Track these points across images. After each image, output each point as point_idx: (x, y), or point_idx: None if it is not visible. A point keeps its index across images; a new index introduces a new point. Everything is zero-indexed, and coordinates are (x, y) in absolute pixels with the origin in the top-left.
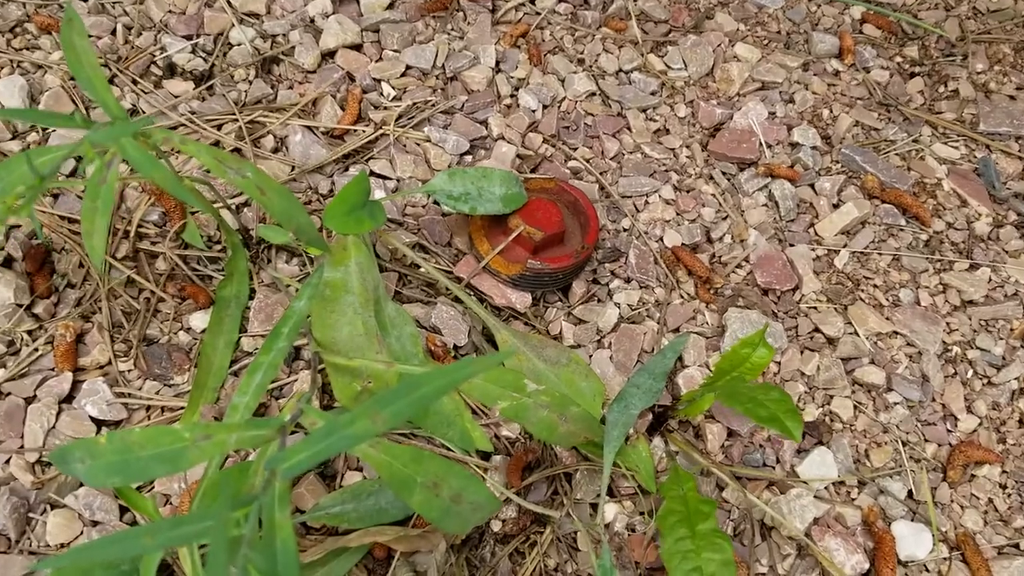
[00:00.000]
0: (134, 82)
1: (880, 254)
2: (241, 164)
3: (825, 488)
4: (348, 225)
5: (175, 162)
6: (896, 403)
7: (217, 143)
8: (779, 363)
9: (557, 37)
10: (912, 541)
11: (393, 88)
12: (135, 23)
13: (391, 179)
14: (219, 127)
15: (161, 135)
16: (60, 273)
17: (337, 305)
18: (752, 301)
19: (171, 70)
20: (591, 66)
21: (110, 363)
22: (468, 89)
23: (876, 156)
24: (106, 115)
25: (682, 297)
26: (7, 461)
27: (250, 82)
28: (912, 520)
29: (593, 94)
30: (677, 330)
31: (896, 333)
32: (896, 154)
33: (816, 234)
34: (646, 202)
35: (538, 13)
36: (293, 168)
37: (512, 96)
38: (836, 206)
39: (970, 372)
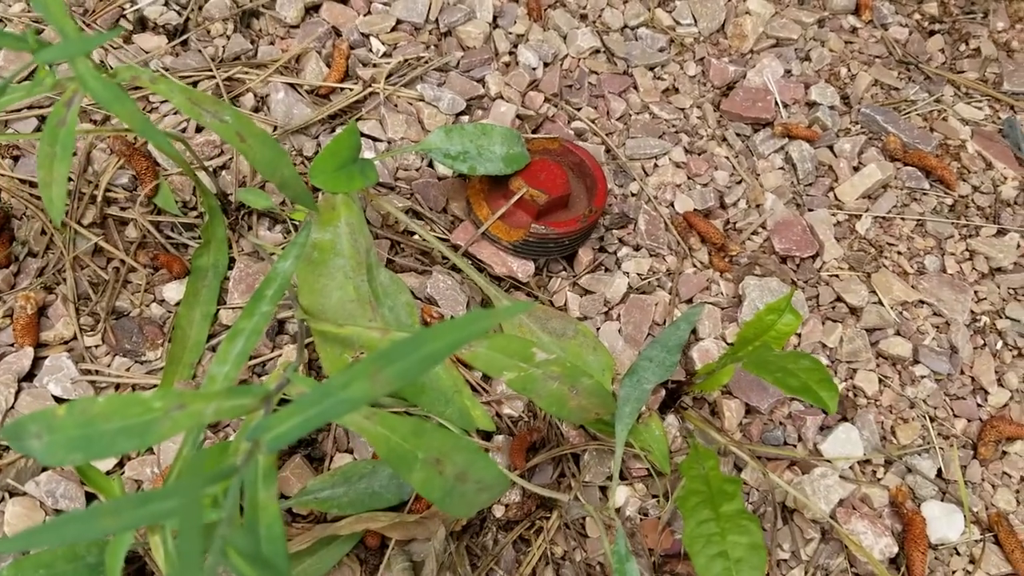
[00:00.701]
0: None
1: (903, 219)
2: (219, 107)
3: (850, 467)
4: (337, 182)
5: None
6: (923, 376)
7: None
8: (800, 334)
9: None
10: (943, 523)
11: (383, 44)
12: None
13: (381, 141)
14: (195, 84)
15: (128, 72)
16: (20, 241)
17: (326, 269)
18: (770, 269)
19: (142, 24)
20: (595, 21)
21: (75, 338)
22: (464, 45)
23: (897, 116)
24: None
25: (695, 266)
26: None
27: (228, 37)
28: (942, 500)
29: (597, 51)
30: (690, 301)
31: (922, 302)
32: (918, 114)
33: (836, 198)
34: (655, 165)
35: None
36: (275, 128)
37: (511, 53)
38: (856, 169)
39: (1000, 343)
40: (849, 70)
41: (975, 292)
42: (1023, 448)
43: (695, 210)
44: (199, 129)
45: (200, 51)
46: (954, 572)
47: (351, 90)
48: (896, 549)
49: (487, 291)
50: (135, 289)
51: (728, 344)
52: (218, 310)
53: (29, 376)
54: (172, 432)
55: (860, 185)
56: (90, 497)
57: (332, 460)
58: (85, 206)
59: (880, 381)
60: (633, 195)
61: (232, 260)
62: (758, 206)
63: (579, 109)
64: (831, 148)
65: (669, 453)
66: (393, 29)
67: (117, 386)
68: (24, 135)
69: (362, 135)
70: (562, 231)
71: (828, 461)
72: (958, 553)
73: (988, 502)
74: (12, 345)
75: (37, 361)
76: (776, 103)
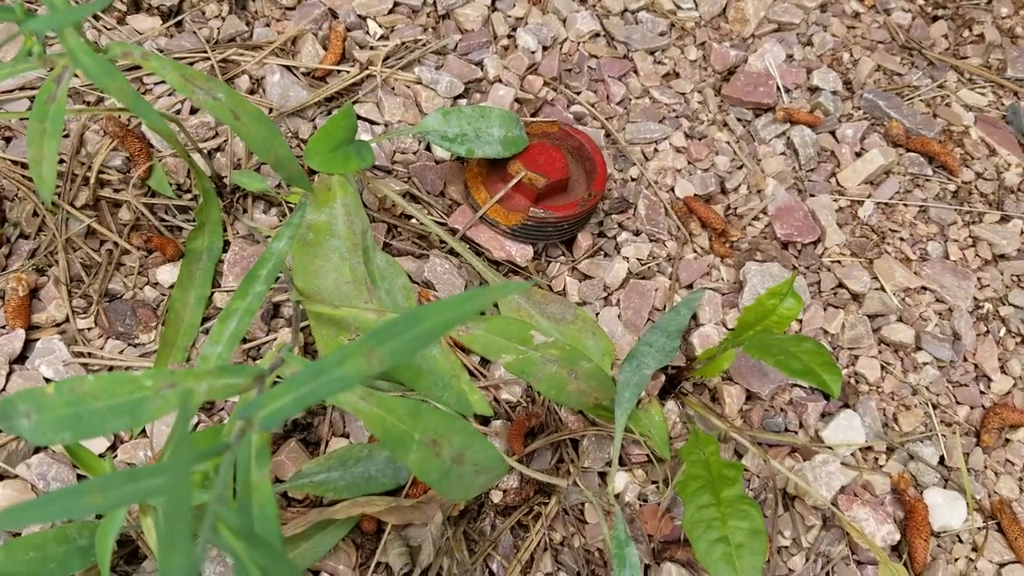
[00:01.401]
0: (95, 18)
1: (906, 205)
2: (212, 84)
3: (851, 454)
4: (333, 163)
5: None
6: (926, 363)
7: None
8: (801, 320)
9: None
10: (946, 510)
11: (380, 26)
12: None
13: (378, 124)
14: (189, 66)
15: (119, 48)
16: (12, 222)
17: (321, 250)
18: (771, 255)
19: (136, 5)
20: (594, 5)
21: (67, 320)
22: (462, 28)
23: (900, 102)
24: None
25: (695, 251)
26: None
27: (223, 18)
28: (945, 487)
29: (597, 35)
30: (691, 286)
31: (925, 288)
32: (921, 100)
33: (838, 184)
34: (655, 150)
35: None
36: (271, 111)
37: (509, 36)
38: (859, 154)
39: (1003, 330)
40: (851, 55)
41: (978, 279)
42: None
43: (696, 195)
44: (194, 111)
45: (195, 32)
46: (956, 560)
47: (348, 73)
48: (898, 536)
49: (485, 275)
50: (128, 272)
51: (729, 330)
52: (212, 293)
53: (21, 358)
54: (163, 411)
55: (862, 171)
56: (82, 480)
57: (328, 444)
58: (78, 188)
59: (882, 368)
60: (633, 180)
61: (227, 243)
62: (759, 191)
63: (578, 93)
64: (833, 133)
65: (669, 439)
66: (390, 11)
67: (110, 369)
68: (15, 114)
69: (359, 118)
70: (561, 215)
71: (829, 448)
72: (960, 540)
73: (991, 489)
74: (3, 327)
75: (29, 343)
76: (778, 88)
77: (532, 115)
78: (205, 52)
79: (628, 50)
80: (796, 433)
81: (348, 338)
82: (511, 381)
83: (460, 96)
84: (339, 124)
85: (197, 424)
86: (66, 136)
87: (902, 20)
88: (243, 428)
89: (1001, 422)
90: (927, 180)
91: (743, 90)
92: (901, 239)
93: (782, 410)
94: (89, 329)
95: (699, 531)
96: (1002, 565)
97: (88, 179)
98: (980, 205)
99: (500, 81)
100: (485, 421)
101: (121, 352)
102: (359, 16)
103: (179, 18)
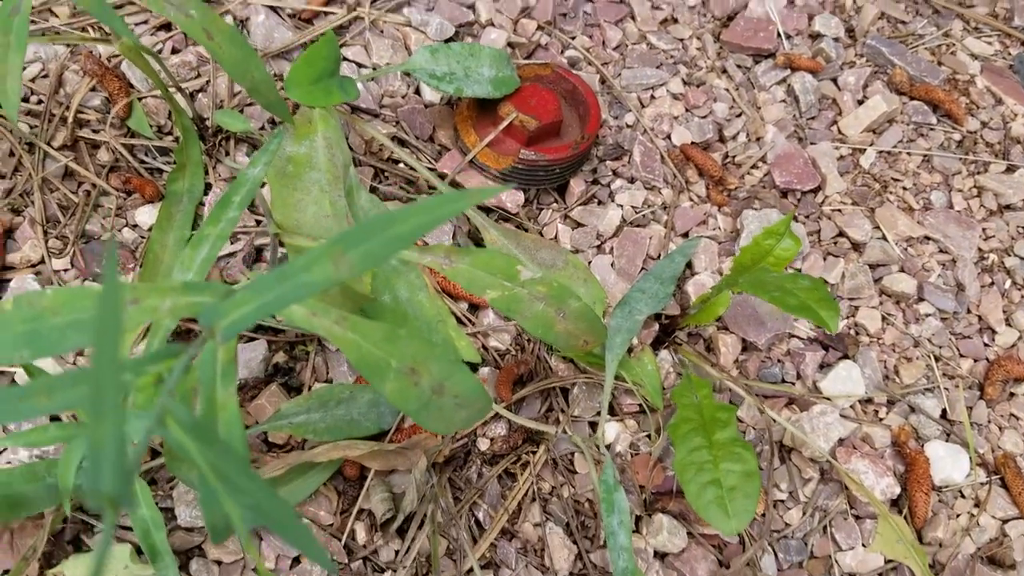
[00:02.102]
0: None
1: (910, 154)
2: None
3: (851, 406)
4: (315, 96)
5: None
6: (928, 314)
7: (169, 26)
8: (799, 269)
9: None
10: (948, 463)
11: None
12: None
13: (366, 67)
14: None
15: None
16: None
17: (300, 182)
18: (769, 203)
19: None
20: None
21: (43, 261)
22: None
23: (904, 49)
24: None
25: (692, 199)
26: None
27: None
28: (947, 441)
29: None
30: (686, 235)
31: (928, 238)
32: (925, 48)
33: (840, 132)
34: (652, 96)
35: None
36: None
37: None
38: (861, 102)
39: (1008, 282)
40: (855, 2)
41: (983, 229)
42: None
43: (693, 142)
44: (175, 51)
45: None
46: (958, 515)
47: (335, 14)
48: (898, 490)
49: (474, 220)
50: (106, 213)
51: (727, 273)
52: (192, 235)
53: None
54: (126, 328)
55: (865, 118)
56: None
57: (310, 390)
58: (55, 127)
59: (883, 319)
60: (628, 126)
61: (208, 185)
62: (758, 139)
63: (573, 38)
64: (835, 80)
65: (662, 388)
66: None
67: None
68: None
69: (346, 60)
70: (553, 158)
71: (828, 399)
72: (963, 495)
73: (995, 444)
74: None
75: (2, 284)
76: (778, 33)
77: (525, 59)
78: None
79: None
80: (794, 384)
81: None
82: (500, 328)
83: (451, 39)
84: (320, 54)
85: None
86: (44, 76)
87: None
88: (203, 336)
89: (1006, 375)
90: (931, 129)
91: (743, 36)
92: (904, 188)
93: (779, 360)
94: (65, 270)
95: (690, 474)
96: (1005, 521)
97: (66, 119)
98: (985, 155)
99: (492, 24)
100: (473, 368)
101: None
102: None
103: None
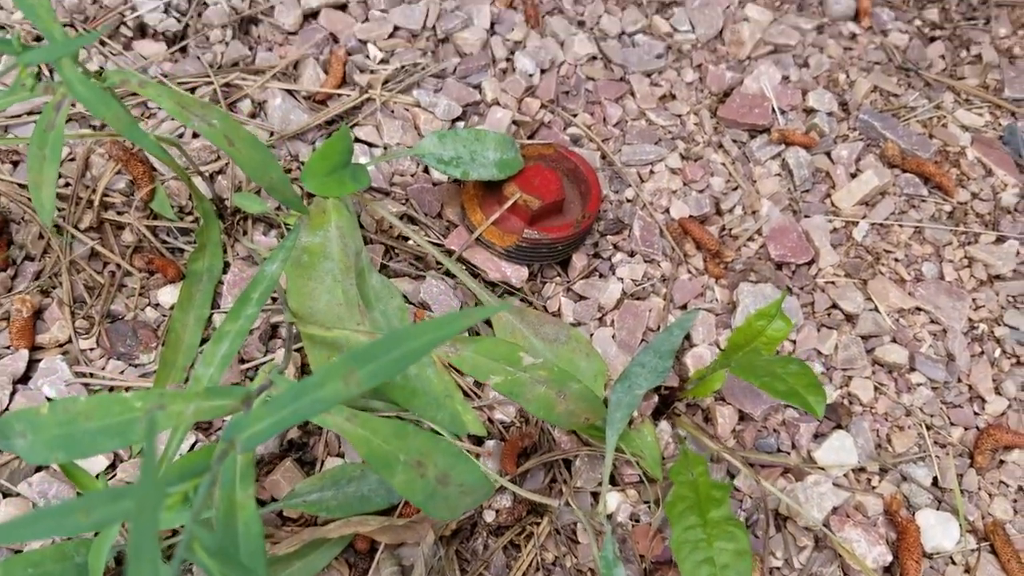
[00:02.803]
0: (102, 43)
1: (901, 226)
2: (207, 110)
3: (844, 475)
4: (328, 187)
5: (143, 128)
6: (919, 384)
7: None
8: (794, 341)
9: None
10: (938, 531)
11: (380, 50)
12: None
13: (377, 146)
14: (192, 90)
15: (117, 76)
16: (18, 245)
17: (315, 272)
18: (765, 275)
19: (142, 31)
20: (592, 28)
21: (70, 340)
22: (460, 52)
23: (896, 123)
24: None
25: (690, 272)
26: None
27: (226, 43)
28: (938, 509)
29: (594, 57)
30: (685, 307)
31: (919, 309)
32: (917, 121)
33: (833, 205)
34: (651, 171)
35: None
36: (272, 134)
37: (508, 59)
38: (854, 175)
39: (998, 351)
40: (848, 76)
41: (973, 299)
42: (1021, 457)
43: (690, 216)
44: (196, 135)
45: (199, 57)
46: None
47: (348, 96)
48: (890, 558)
49: (480, 296)
50: (130, 293)
51: (722, 350)
52: (212, 314)
53: (24, 378)
54: (152, 432)
55: (857, 191)
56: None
57: (323, 464)
58: (82, 210)
59: (876, 388)
60: (628, 201)
61: (227, 264)
62: (754, 212)
63: (575, 115)
64: (828, 154)
65: (662, 459)
66: (391, 35)
67: (111, 389)
68: (22, 139)
69: (358, 140)
70: (555, 236)
71: (822, 468)
72: (953, 562)
73: (984, 511)
74: (8, 347)
75: (32, 364)
76: (773, 109)
77: (529, 137)
78: (208, 76)
79: (625, 72)
80: (789, 454)
81: None
82: (505, 401)
83: (458, 119)
84: (335, 147)
85: (194, 444)
86: (72, 160)
87: (899, 41)
88: (225, 449)
89: (995, 443)
90: (922, 201)
91: (739, 112)
92: (896, 260)
93: (775, 431)
94: (91, 349)
95: (685, 552)
96: None
97: (92, 202)
98: (976, 225)
99: (498, 104)
100: (479, 441)
101: (122, 372)
102: (360, 40)
103: (183, 43)
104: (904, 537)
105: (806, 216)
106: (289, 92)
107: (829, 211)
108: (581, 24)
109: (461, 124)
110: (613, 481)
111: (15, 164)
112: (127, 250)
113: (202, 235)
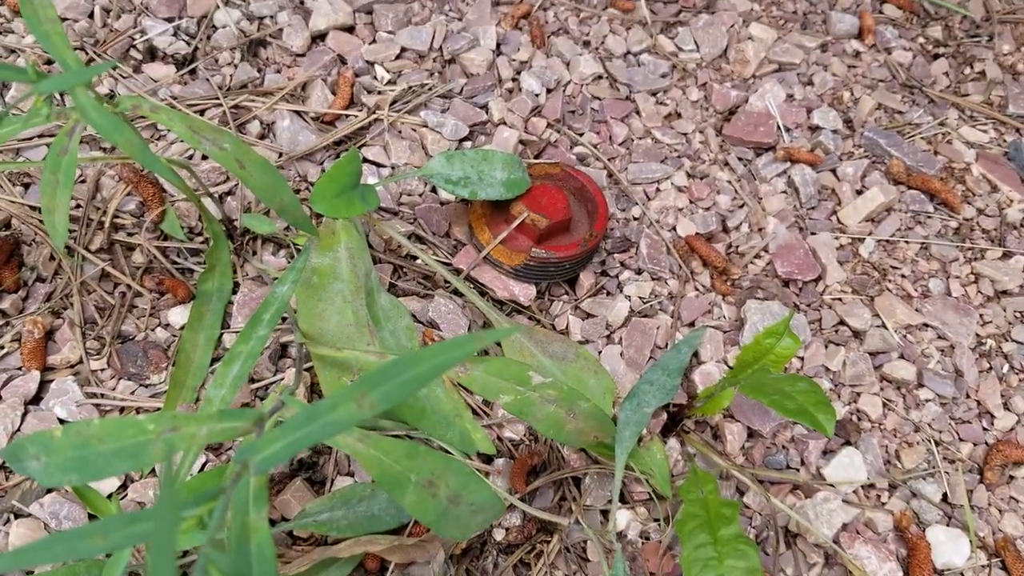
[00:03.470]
0: (112, 67)
1: (907, 242)
2: (218, 134)
3: (854, 491)
4: (338, 208)
5: (154, 149)
6: (928, 400)
7: None
8: (802, 358)
9: (561, 18)
10: (948, 547)
11: (387, 71)
12: (114, 5)
13: (385, 166)
14: (202, 112)
15: (129, 101)
16: (29, 266)
17: (325, 293)
18: (772, 292)
19: (152, 54)
20: (597, 48)
21: (81, 361)
22: (467, 72)
23: (901, 140)
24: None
25: (697, 289)
26: None
27: (235, 66)
28: (948, 525)
29: (600, 77)
30: (692, 324)
31: (926, 325)
32: (922, 138)
33: (839, 222)
34: (657, 189)
35: None
36: (281, 155)
37: (514, 79)
38: (860, 192)
39: (1006, 367)
40: (852, 94)
41: (980, 315)
42: None
43: (697, 234)
44: (205, 156)
45: (208, 80)
46: None
47: (356, 117)
48: (900, 574)
49: (488, 315)
50: (140, 313)
51: (730, 367)
52: (222, 334)
53: (36, 399)
54: (165, 455)
55: (863, 208)
56: (93, 520)
57: (333, 483)
58: (93, 232)
59: (884, 405)
60: (635, 219)
61: (236, 284)
62: (760, 230)
63: (581, 134)
64: (834, 172)
65: (671, 476)
66: (398, 57)
67: (121, 409)
68: (34, 163)
69: (366, 161)
70: (563, 255)
71: (831, 485)
72: None
73: (995, 527)
74: (20, 368)
75: (44, 384)
76: (778, 127)
77: (536, 156)
78: (217, 99)
79: (630, 91)
80: (798, 470)
81: (351, 379)
82: (514, 420)
83: (465, 139)
84: (343, 169)
85: (205, 464)
86: (82, 182)
87: (903, 59)
88: (239, 472)
89: (1004, 459)
90: (928, 217)
91: (744, 130)
92: (902, 276)
93: (784, 447)
94: (102, 370)
95: (696, 570)
96: None
97: (103, 223)
98: (982, 241)
99: (504, 123)
100: (488, 459)
101: (132, 393)
102: (367, 62)
103: (193, 66)
104: (914, 554)
105: (812, 233)
106: (297, 113)
107: (835, 228)
108: (586, 44)
109: (468, 144)
110: (623, 499)
111: (26, 186)
112: (137, 271)
113: (212, 256)
